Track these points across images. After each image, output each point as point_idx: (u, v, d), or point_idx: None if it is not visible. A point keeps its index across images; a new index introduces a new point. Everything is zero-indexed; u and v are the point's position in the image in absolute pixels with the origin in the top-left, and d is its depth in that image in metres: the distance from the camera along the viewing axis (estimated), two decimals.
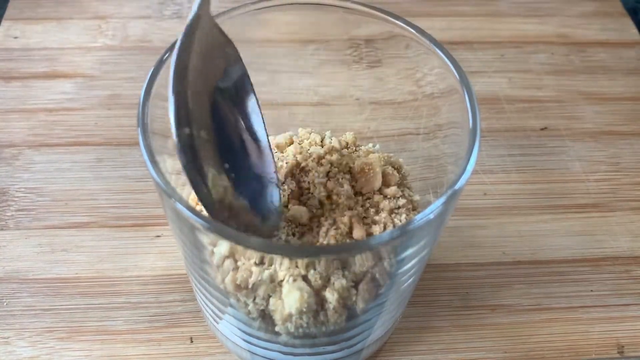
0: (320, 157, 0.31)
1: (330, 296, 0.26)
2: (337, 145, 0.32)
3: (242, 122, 0.26)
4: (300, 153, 0.31)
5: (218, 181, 0.23)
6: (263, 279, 0.26)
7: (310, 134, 0.33)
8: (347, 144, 0.33)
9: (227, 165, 0.24)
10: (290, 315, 0.26)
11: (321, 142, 0.33)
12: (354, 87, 0.36)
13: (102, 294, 0.35)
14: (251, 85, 0.26)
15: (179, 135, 0.21)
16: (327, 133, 0.34)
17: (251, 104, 0.27)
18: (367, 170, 0.30)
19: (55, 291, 0.35)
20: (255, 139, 0.27)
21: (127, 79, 0.45)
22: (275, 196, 0.27)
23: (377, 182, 0.30)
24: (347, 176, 0.30)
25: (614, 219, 0.39)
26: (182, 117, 0.21)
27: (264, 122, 0.27)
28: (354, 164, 0.31)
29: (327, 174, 0.31)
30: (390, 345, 0.34)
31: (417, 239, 0.24)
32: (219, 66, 0.25)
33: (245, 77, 0.26)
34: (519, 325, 0.35)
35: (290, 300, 0.25)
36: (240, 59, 0.26)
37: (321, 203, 0.29)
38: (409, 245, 0.24)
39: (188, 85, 0.21)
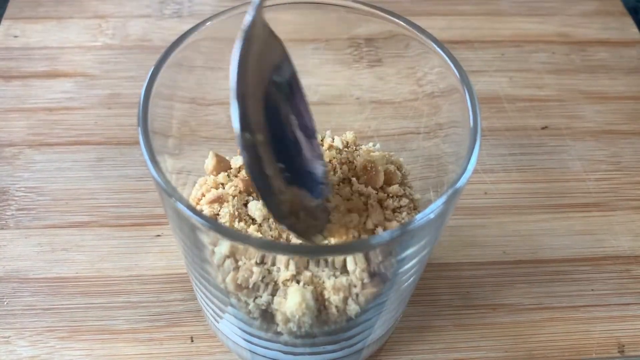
0: None
1: (331, 295, 0.26)
2: (339, 144, 0.32)
3: (295, 119, 0.26)
4: None
5: (277, 181, 0.23)
6: (265, 278, 0.26)
7: None
8: (348, 143, 0.33)
9: (281, 165, 0.24)
10: (288, 318, 0.26)
11: (321, 140, 0.33)
12: (354, 87, 0.36)
13: (102, 293, 0.35)
14: (299, 82, 0.27)
15: (242, 139, 0.21)
16: (327, 132, 0.34)
17: (302, 101, 0.27)
18: (369, 168, 0.30)
19: (55, 290, 0.35)
20: (307, 136, 0.27)
21: (127, 78, 0.45)
22: (325, 192, 0.27)
23: (380, 180, 0.30)
24: (350, 174, 0.30)
25: (614, 218, 0.39)
26: (243, 122, 0.21)
27: (312, 118, 0.27)
28: (355, 160, 0.31)
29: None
30: (391, 345, 0.34)
31: (417, 238, 0.24)
32: (271, 66, 0.25)
33: (294, 75, 0.26)
34: (519, 324, 0.35)
35: (289, 303, 0.25)
36: (289, 58, 0.26)
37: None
38: (409, 245, 0.24)
39: (247, 89, 0.22)
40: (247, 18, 0.22)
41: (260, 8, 0.23)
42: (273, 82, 0.25)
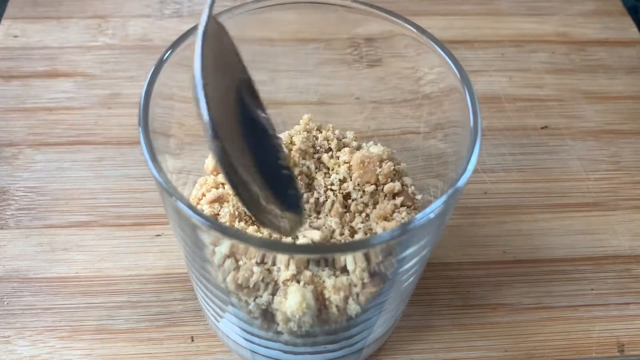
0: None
1: (332, 295, 0.26)
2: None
3: (257, 120, 0.26)
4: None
5: (251, 184, 0.24)
6: (266, 278, 0.26)
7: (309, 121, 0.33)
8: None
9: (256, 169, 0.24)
10: (289, 317, 0.26)
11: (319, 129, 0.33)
12: (354, 86, 0.36)
13: (102, 293, 0.35)
14: (253, 81, 0.27)
15: (215, 147, 0.22)
16: (330, 126, 0.34)
17: (258, 102, 0.27)
18: (366, 163, 0.30)
19: (55, 290, 0.35)
20: (268, 134, 0.27)
21: (127, 78, 0.45)
22: (293, 185, 0.27)
23: (374, 175, 0.30)
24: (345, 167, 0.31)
25: (614, 218, 0.39)
26: (215, 129, 0.21)
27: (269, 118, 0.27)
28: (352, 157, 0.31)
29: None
30: (391, 344, 0.34)
31: (417, 238, 0.24)
32: (232, 69, 0.25)
33: (249, 76, 0.27)
34: (519, 323, 0.35)
35: (290, 302, 0.25)
36: (242, 61, 0.26)
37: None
38: (409, 244, 0.24)
39: (213, 95, 0.22)
40: (202, 21, 0.22)
41: (212, 6, 0.23)
42: (241, 83, 0.25)
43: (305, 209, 0.28)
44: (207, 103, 0.21)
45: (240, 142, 0.24)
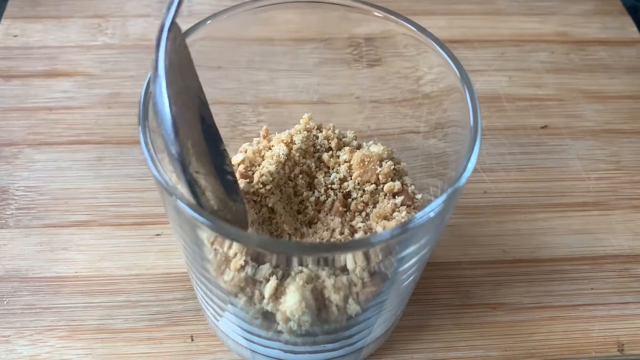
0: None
1: (331, 294, 0.26)
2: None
3: (208, 125, 0.27)
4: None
5: (207, 185, 0.24)
6: (265, 277, 0.26)
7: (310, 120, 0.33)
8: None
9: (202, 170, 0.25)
10: (288, 317, 0.26)
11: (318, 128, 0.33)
12: (354, 86, 0.36)
13: (102, 292, 0.35)
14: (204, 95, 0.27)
15: (177, 150, 0.22)
16: (330, 125, 0.34)
17: (209, 112, 0.27)
18: (366, 162, 0.30)
19: (55, 290, 0.35)
20: (219, 141, 0.27)
21: (127, 77, 0.45)
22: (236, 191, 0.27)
23: (374, 174, 0.30)
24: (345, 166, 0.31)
25: (614, 217, 0.39)
26: (178, 133, 0.22)
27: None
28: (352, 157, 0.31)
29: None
30: (391, 344, 0.34)
31: (417, 237, 0.24)
32: (193, 80, 0.26)
33: (200, 89, 0.27)
34: (519, 323, 0.35)
35: (289, 302, 0.25)
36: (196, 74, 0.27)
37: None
38: (409, 244, 0.24)
39: (176, 101, 0.22)
40: (164, 31, 0.23)
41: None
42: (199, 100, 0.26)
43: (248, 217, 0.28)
44: (170, 101, 0.22)
45: (200, 144, 0.25)
